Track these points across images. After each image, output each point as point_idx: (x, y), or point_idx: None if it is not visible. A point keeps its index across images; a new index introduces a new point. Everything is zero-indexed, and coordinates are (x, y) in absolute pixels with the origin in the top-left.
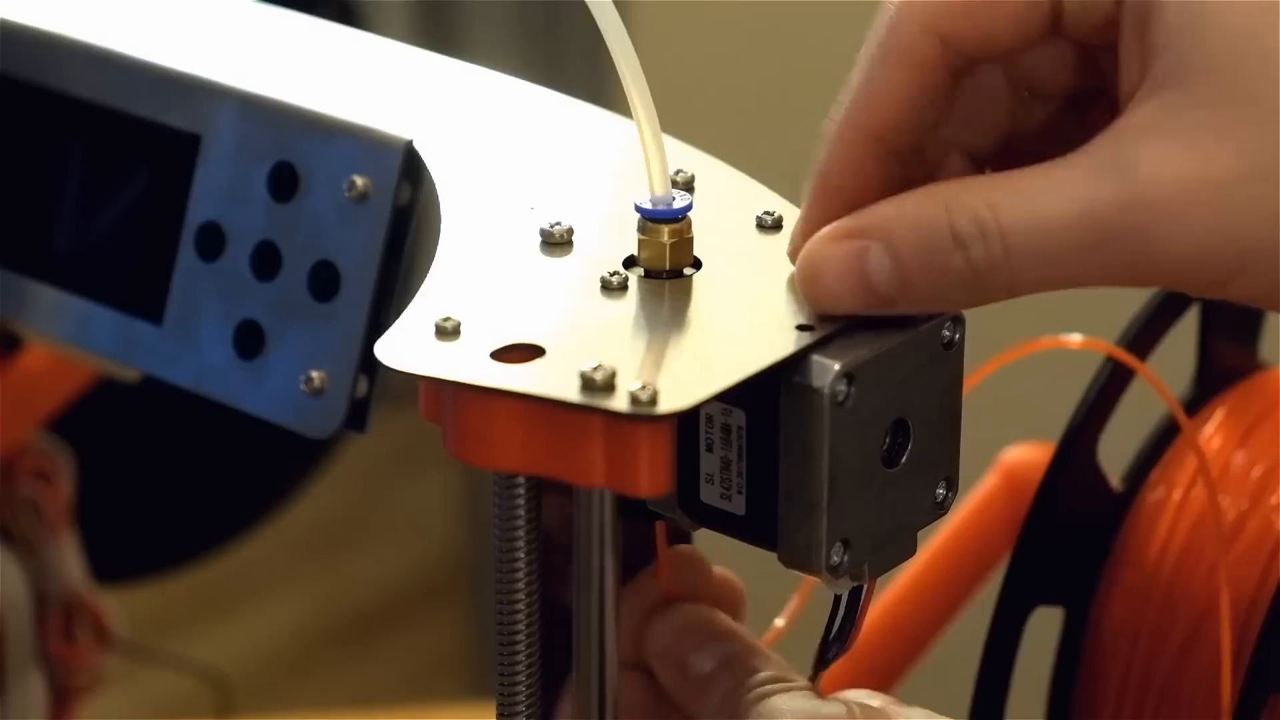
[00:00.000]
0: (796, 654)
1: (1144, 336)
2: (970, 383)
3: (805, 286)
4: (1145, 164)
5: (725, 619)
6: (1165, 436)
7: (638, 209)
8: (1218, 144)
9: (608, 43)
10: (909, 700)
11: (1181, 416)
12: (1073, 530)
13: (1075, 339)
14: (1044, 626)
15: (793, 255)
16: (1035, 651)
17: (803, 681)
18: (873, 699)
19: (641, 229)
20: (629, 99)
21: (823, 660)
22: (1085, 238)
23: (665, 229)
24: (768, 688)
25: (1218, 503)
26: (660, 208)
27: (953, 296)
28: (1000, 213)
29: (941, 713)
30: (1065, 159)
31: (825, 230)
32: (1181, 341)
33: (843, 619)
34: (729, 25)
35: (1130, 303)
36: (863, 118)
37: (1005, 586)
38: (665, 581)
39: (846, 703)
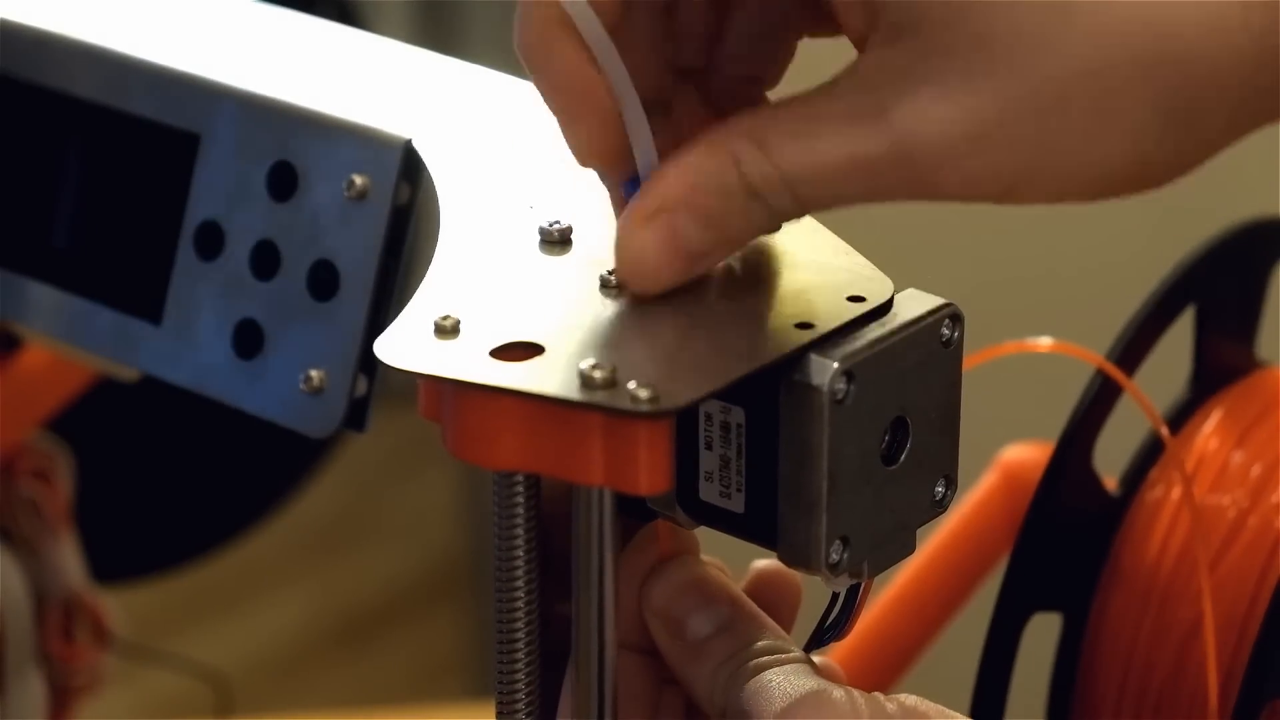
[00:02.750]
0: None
1: (1137, 341)
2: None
3: (632, 278)
4: (903, 116)
5: (726, 580)
6: (1160, 439)
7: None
8: (966, 91)
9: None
10: None
11: (1165, 432)
12: (1069, 535)
13: (1045, 342)
14: (1042, 632)
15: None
16: (1034, 657)
17: (799, 653)
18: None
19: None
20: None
21: (818, 642)
22: (860, 179)
23: None
24: (764, 659)
25: (1203, 520)
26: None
27: (762, 230)
28: (780, 162)
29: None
30: (823, 97)
31: (628, 217)
32: (1178, 341)
33: (839, 613)
34: None
35: (1130, 302)
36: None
37: (1003, 593)
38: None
39: (847, 690)
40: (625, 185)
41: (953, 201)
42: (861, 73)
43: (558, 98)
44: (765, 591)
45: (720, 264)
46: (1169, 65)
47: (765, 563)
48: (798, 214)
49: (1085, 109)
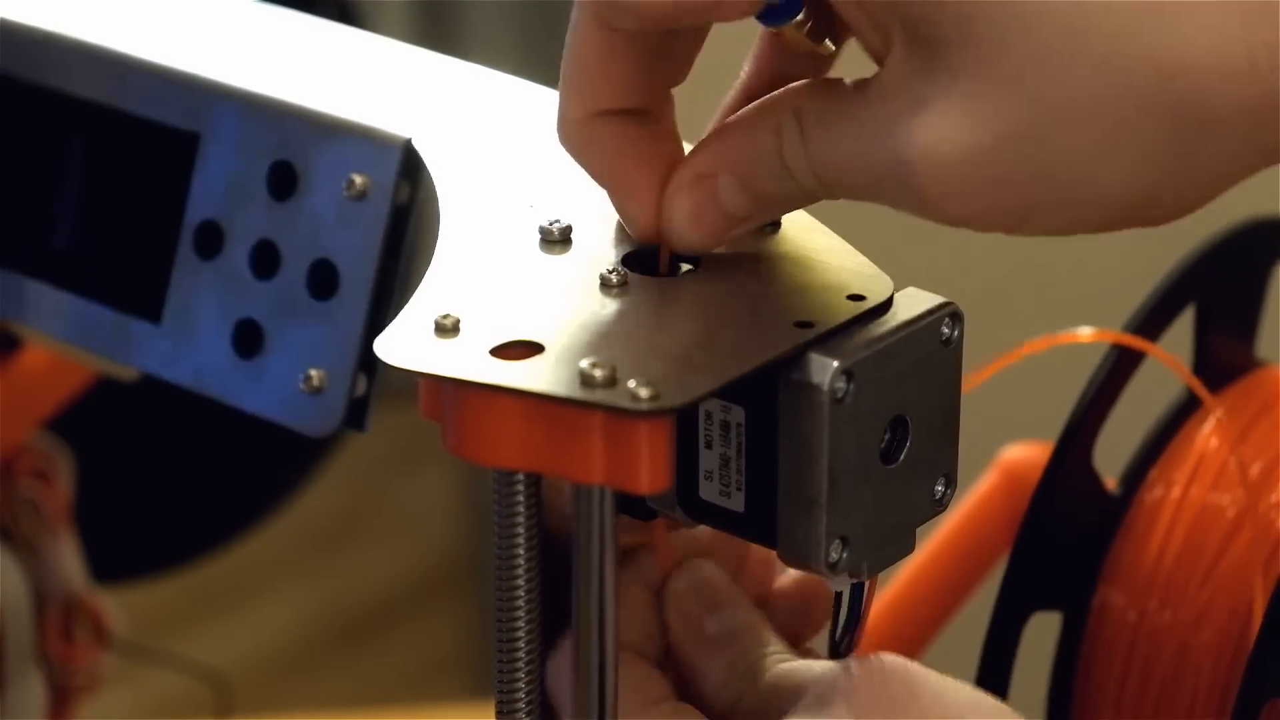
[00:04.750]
0: None
1: (1139, 337)
2: (974, 381)
3: (673, 238)
4: (905, 131)
5: (738, 592)
6: (1163, 436)
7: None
8: (969, 112)
9: None
10: None
11: (1203, 392)
12: (1069, 535)
13: (1086, 332)
14: (1042, 631)
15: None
16: (1034, 657)
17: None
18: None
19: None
20: None
21: (834, 655)
22: (868, 185)
23: None
24: (783, 654)
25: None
26: None
27: (798, 203)
28: (809, 145)
29: None
30: (859, 93)
31: (674, 184)
32: (1178, 339)
33: (847, 616)
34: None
35: (1130, 302)
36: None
37: (1002, 592)
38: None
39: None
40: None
41: (962, 227)
42: (882, 82)
43: (599, 179)
44: (794, 599)
45: (718, 262)
46: (1177, 99)
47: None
48: (826, 197)
49: (1092, 137)
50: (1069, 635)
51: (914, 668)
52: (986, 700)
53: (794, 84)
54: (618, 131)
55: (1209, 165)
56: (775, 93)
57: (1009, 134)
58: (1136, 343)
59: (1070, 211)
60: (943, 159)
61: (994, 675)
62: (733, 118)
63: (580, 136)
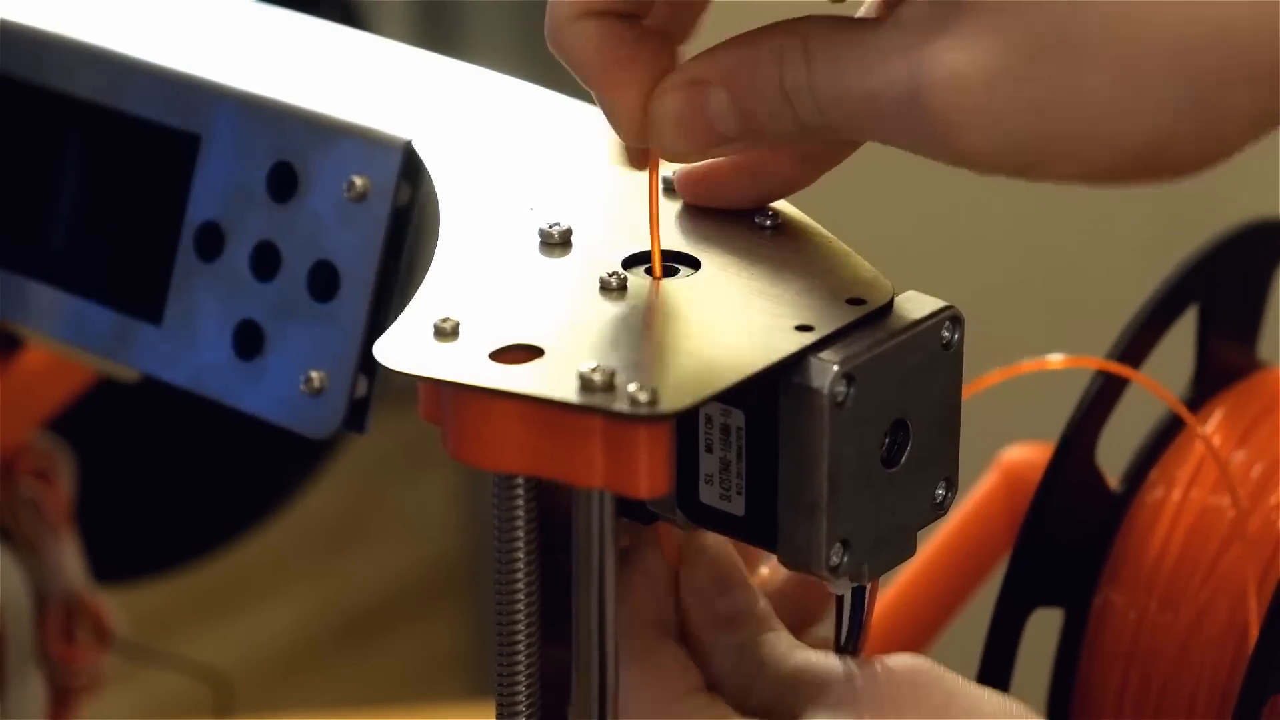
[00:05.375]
0: None
1: (1140, 340)
2: (967, 393)
3: (655, 141)
4: (920, 58)
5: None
6: (1164, 436)
7: None
8: (989, 40)
9: None
10: None
11: (1185, 414)
12: (1072, 531)
13: (1057, 359)
14: (1044, 628)
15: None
16: (1035, 653)
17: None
18: None
19: None
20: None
21: None
22: (879, 116)
23: None
24: (796, 643)
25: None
26: None
27: (788, 138)
28: (814, 75)
29: None
30: (872, 27)
31: (666, 82)
32: (1181, 341)
33: (849, 622)
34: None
35: (1131, 304)
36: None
37: (1005, 588)
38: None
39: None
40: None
41: (975, 170)
42: (902, 16)
43: (586, 76)
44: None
45: (719, 265)
46: (1199, 40)
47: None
48: (824, 133)
49: (1111, 75)
50: (1070, 634)
51: (941, 670)
52: (1014, 704)
53: (800, 16)
54: (607, 29)
55: (1230, 112)
56: (777, 22)
57: (1032, 61)
58: (1116, 369)
59: (1085, 151)
60: (963, 82)
61: (995, 671)
62: (730, 39)
63: (568, 34)
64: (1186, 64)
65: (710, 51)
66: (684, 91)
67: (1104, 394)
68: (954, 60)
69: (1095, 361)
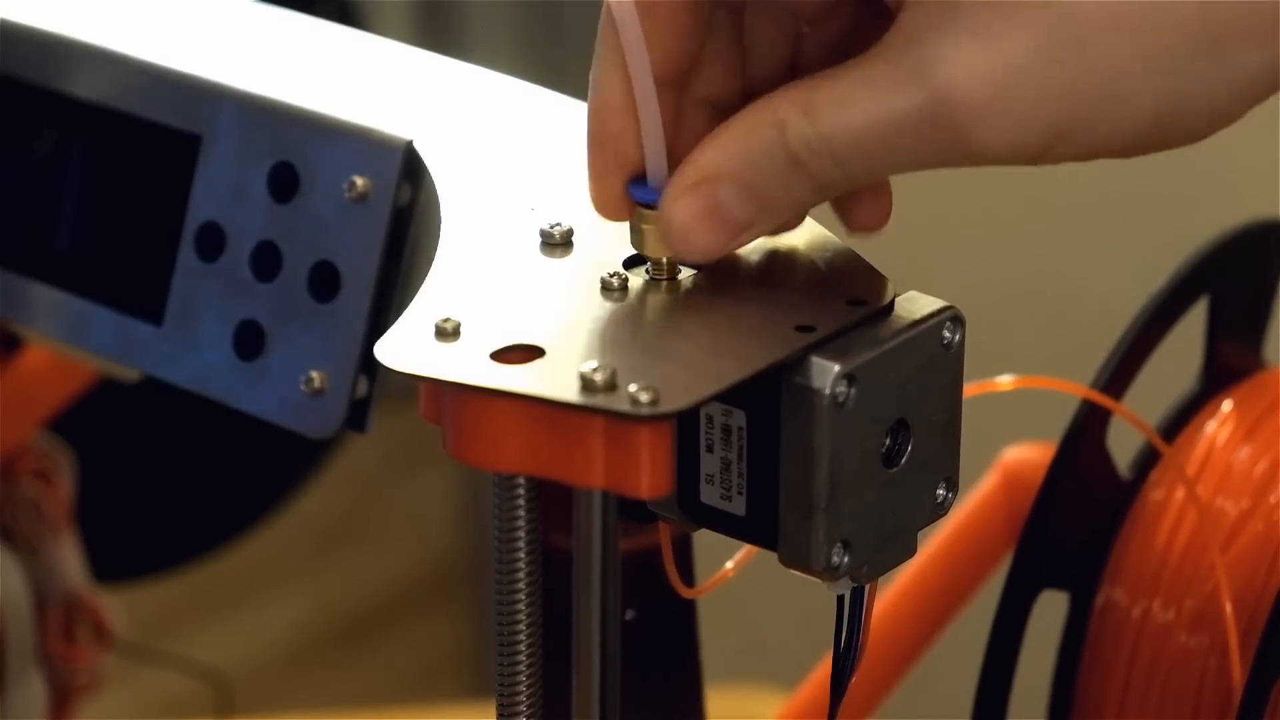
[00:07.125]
0: (798, 657)
1: (1143, 338)
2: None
3: (677, 249)
4: (935, 69)
5: None
6: (1173, 426)
7: (632, 194)
8: (998, 38)
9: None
10: (914, 692)
11: (1161, 446)
12: (1080, 515)
13: (1006, 380)
14: (1050, 610)
15: (599, 206)
16: (1041, 635)
17: None
18: None
19: (637, 219)
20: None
21: (840, 682)
22: (900, 142)
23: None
24: None
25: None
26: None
27: (805, 204)
28: (823, 127)
29: (947, 697)
30: (868, 60)
31: (673, 189)
32: (1187, 341)
33: (849, 625)
34: None
35: (1132, 304)
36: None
37: (1012, 570)
38: (676, 587)
39: None
40: (632, 184)
41: (992, 164)
42: (899, 34)
43: (590, 120)
44: None
45: (719, 265)
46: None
47: None
48: (843, 185)
49: (1125, 50)
50: (1076, 616)
51: None
52: None
53: (784, 86)
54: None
55: (1240, 70)
56: (765, 96)
57: (1037, 54)
58: (1099, 399)
59: (1102, 128)
60: (982, 79)
61: (1001, 652)
62: (721, 126)
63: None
64: (1195, 25)
65: (706, 144)
66: (692, 194)
67: (1113, 383)
68: (969, 59)
69: (1040, 381)
